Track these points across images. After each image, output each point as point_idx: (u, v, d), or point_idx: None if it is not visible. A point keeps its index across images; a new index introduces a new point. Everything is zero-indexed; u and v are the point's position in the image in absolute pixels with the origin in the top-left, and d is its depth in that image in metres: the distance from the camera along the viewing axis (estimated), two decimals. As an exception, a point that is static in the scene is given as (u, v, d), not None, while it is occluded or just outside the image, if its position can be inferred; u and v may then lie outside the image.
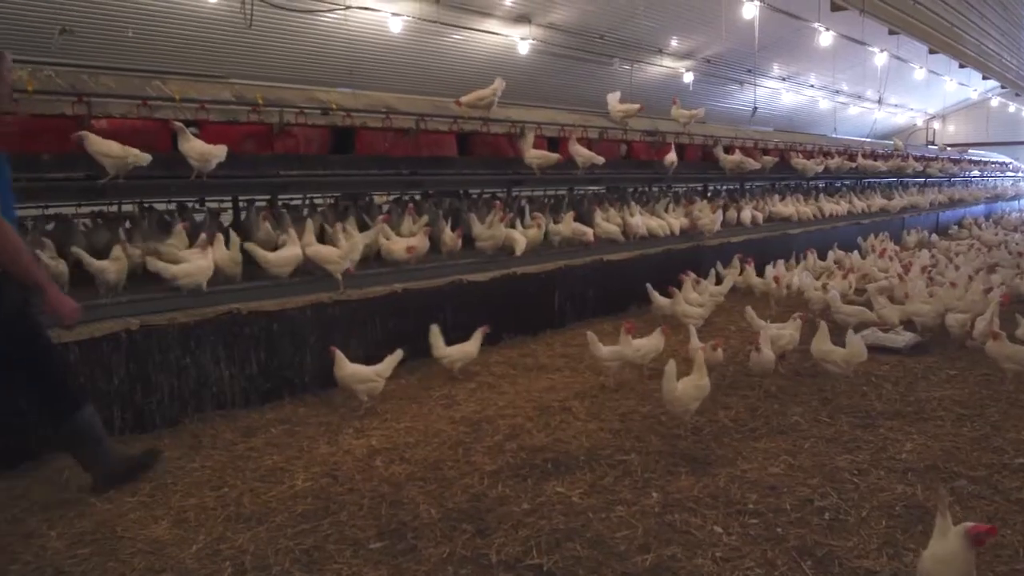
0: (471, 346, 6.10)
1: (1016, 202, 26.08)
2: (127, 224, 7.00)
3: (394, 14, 12.42)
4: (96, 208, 8.05)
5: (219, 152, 5.71)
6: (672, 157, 9.98)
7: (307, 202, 8.96)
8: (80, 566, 3.29)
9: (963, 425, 4.87)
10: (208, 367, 5.26)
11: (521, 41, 14.55)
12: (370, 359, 5.89)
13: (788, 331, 6.14)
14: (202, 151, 5.65)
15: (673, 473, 4.15)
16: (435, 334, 6.00)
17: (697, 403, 4.76)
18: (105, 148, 5.06)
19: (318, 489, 4.03)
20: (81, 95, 5.24)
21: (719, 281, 8.45)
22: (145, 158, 5.22)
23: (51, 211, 7.65)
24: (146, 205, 8.21)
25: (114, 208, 8.06)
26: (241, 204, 7.61)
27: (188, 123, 5.89)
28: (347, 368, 5.26)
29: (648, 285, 7.62)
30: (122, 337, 4.85)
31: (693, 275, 8.01)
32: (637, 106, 9.81)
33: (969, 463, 4.24)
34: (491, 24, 14.08)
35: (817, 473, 4.12)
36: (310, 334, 5.80)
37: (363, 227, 7.37)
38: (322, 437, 4.81)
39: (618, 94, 10.02)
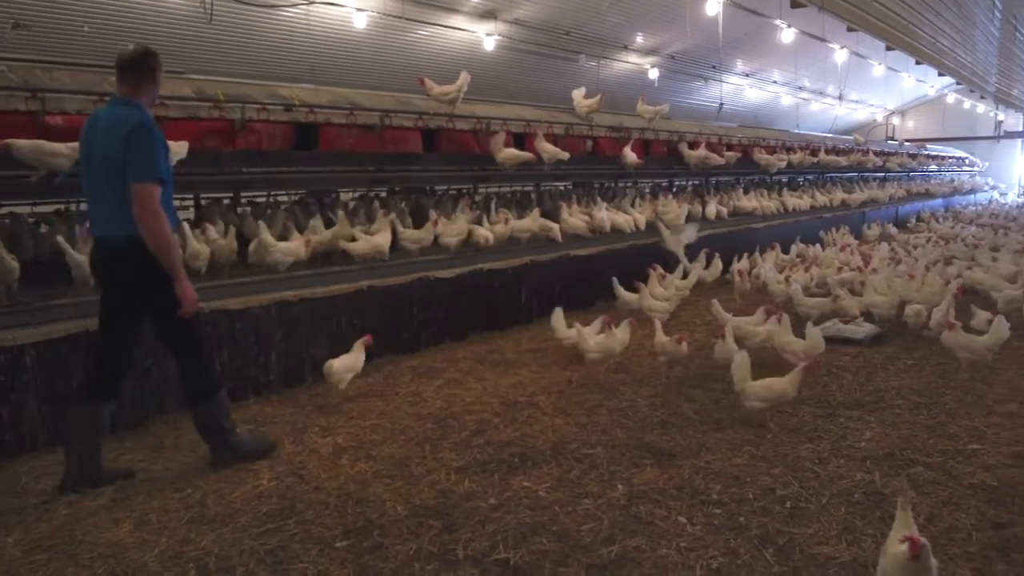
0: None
1: (972, 196, 26.71)
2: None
3: (359, 9, 12.29)
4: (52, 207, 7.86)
5: (179, 149, 5.62)
6: (629, 154, 10.04)
7: (271, 199, 8.87)
8: (38, 572, 3.22)
9: (920, 413, 4.99)
10: (171, 367, 5.15)
11: (487, 37, 14.50)
12: (337, 356, 5.86)
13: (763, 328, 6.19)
14: (161, 148, 5.55)
15: (639, 465, 4.19)
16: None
17: (764, 404, 4.76)
18: (32, 151, 4.81)
19: (283, 488, 4.00)
20: (35, 90, 5.13)
21: (685, 275, 8.56)
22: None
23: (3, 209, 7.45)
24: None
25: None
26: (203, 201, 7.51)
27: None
28: None
29: (614, 279, 7.68)
30: (81, 339, 4.76)
31: (660, 269, 8.08)
32: (598, 97, 9.86)
33: (925, 450, 4.35)
34: (457, 20, 14.01)
35: (779, 463, 4.19)
36: (275, 332, 5.74)
37: (328, 224, 7.32)
38: (287, 436, 4.77)
39: (583, 90, 10.08)
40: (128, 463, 4.38)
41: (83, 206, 7.75)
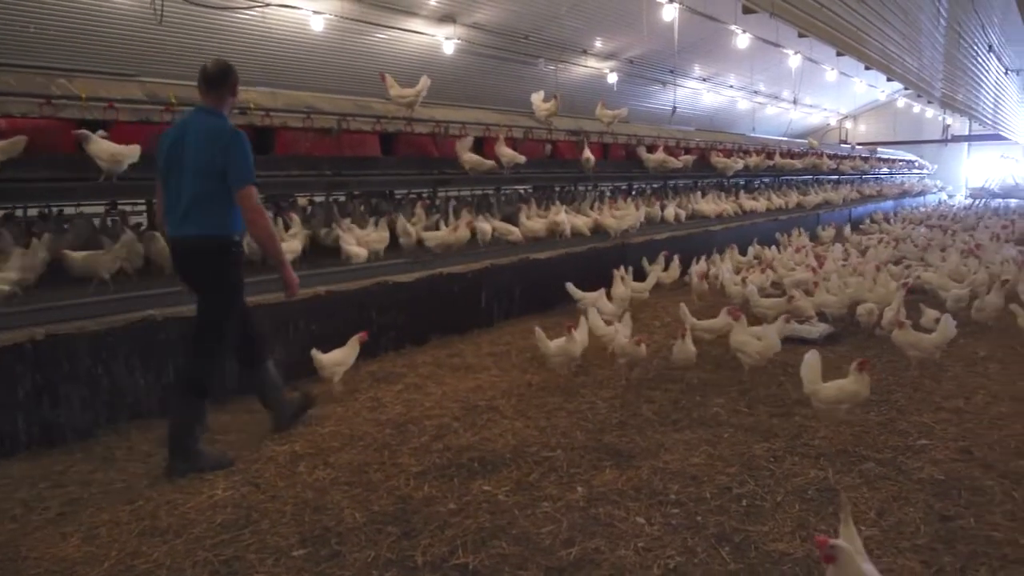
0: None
1: (922, 198, 27.45)
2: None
3: (316, 12, 12.21)
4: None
5: (131, 153, 5.51)
6: (588, 155, 10.11)
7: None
8: (-19, 590, 3.13)
9: (871, 410, 5.10)
10: (122, 376, 5.06)
11: (446, 41, 14.51)
12: (294, 363, 5.80)
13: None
14: (113, 152, 5.44)
15: (598, 467, 4.21)
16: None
17: (841, 406, 4.71)
18: None
19: (239, 498, 3.93)
20: (-23, 93, 4.98)
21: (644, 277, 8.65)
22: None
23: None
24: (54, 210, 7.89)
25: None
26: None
27: (96, 123, 5.67)
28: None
29: (568, 284, 7.63)
30: (27, 348, 4.62)
31: (622, 271, 8.13)
32: (553, 99, 9.92)
33: (876, 446, 4.44)
34: (415, 23, 13.99)
35: (736, 461, 4.25)
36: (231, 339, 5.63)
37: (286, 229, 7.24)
38: (244, 445, 4.69)
39: (542, 94, 10.13)
40: (76, 475, 4.26)
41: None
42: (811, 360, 4.82)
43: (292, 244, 6.72)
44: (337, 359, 5.55)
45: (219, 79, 4.31)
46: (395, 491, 3.96)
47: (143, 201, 7.36)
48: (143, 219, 7.29)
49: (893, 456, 4.29)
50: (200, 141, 4.17)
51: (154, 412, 5.15)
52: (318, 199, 9.37)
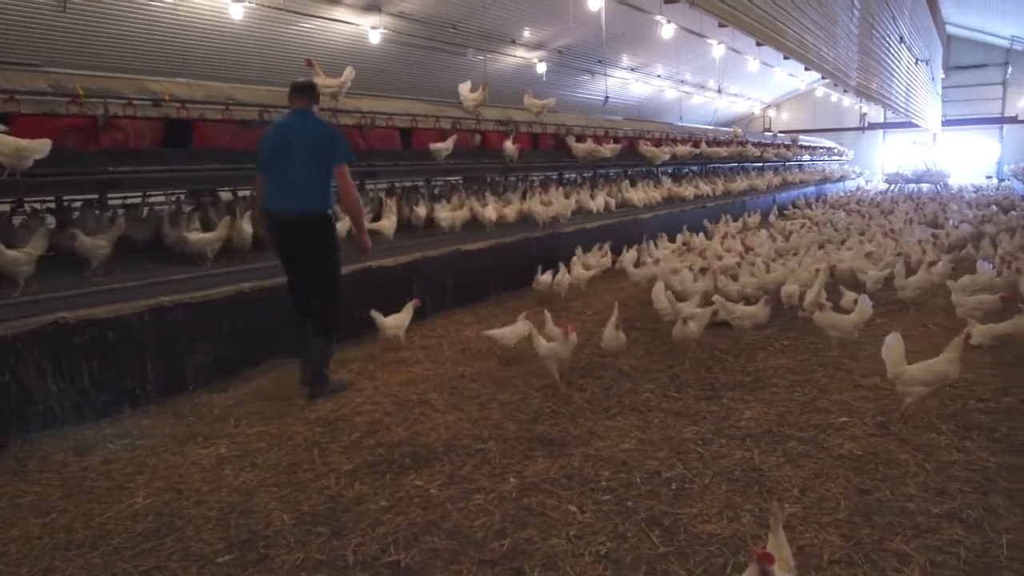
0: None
1: (842, 184, 28.45)
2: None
3: (235, 0, 11.82)
4: None
5: (38, 147, 5.22)
6: (510, 146, 10.10)
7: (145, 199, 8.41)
8: None
9: (795, 390, 5.25)
10: (32, 383, 4.80)
11: (372, 31, 14.26)
12: (220, 362, 5.64)
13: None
14: (17, 147, 5.15)
15: (530, 457, 4.22)
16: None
17: (925, 388, 4.43)
18: None
19: (161, 505, 3.79)
20: None
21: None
22: None
23: None
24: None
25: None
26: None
27: (-3, 116, 5.37)
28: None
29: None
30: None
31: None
32: (481, 88, 9.87)
33: (799, 425, 4.58)
34: (340, 12, 13.69)
35: (665, 446, 4.32)
36: (150, 340, 5.43)
37: (208, 226, 7.01)
38: (166, 449, 4.53)
39: (469, 83, 10.05)
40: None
41: None
42: (893, 342, 4.49)
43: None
44: (396, 322, 6.45)
45: (308, 88, 5.49)
46: (325, 490, 3.89)
47: (51, 198, 7.00)
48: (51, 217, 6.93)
49: (815, 434, 4.42)
50: (311, 132, 5.25)
51: (69, 420, 4.92)
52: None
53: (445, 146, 8.79)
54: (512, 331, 6.08)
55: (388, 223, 8.17)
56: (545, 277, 8.32)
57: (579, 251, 9.38)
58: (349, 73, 7.76)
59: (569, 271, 8.49)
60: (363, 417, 4.94)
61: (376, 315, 6.36)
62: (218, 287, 5.99)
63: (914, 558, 3.07)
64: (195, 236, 6.61)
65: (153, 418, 5.13)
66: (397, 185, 10.82)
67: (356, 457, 4.29)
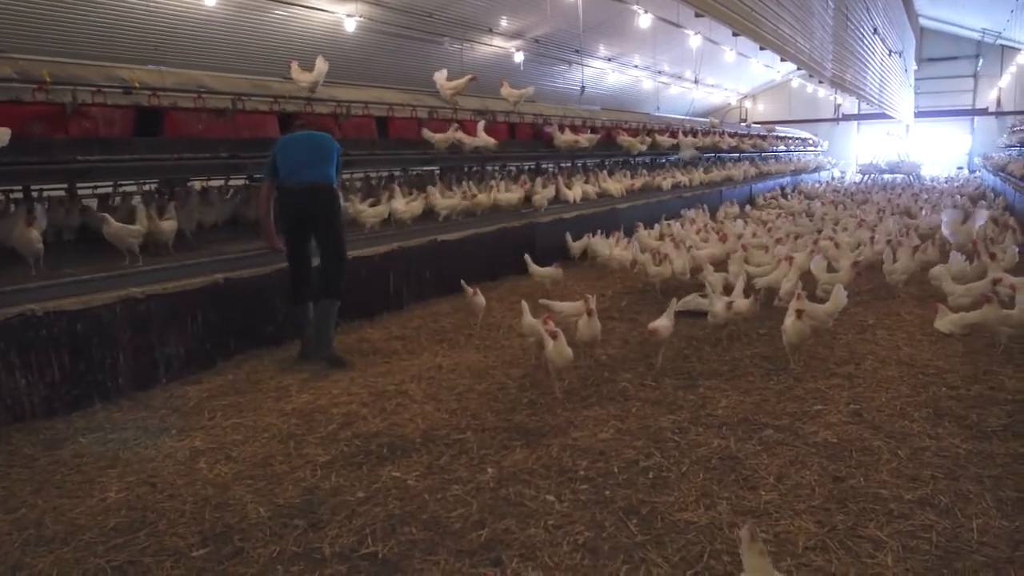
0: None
1: (817, 174, 28.71)
2: None
3: (208, -13, 11.62)
4: None
5: (1, 136, 5.09)
6: (481, 137, 10.04)
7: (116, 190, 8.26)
8: None
9: (771, 379, 5.29)
10: (-1, 376, 4.71)
11: (348, 18, 14.09)
12: (193, 354, 5.57)
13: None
14: (-24, 135, 5.02)
15: (508, 447, 4.21)
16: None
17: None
18: None
19: (134, 499, 3.74)
20: None
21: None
22: None
23: None
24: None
25: None
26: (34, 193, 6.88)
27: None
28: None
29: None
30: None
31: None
32: (466, 79, 9.78)
33: (775, 413, 4.61)
34: (315, 0, 13.53)
35: (643, 435, 4.33)
36: (122, 332, 5.34)
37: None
38: (139, 442, 4.46)
39: (445, 72, 9.97)
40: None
41: None
42: None
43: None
44: (547, 273, 7.68)
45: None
46: (301, 482, 3.85)
47: (19, 188, 6.85)
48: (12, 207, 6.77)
49: (791, 422, 4.46)
50: (320, 140, 6.06)
51: (38, 414, 4.83)
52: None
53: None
54: (572, 307, 6.08)
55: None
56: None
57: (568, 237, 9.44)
58: (320, 66, 7.65)
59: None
60: (339, 408, 4.90)
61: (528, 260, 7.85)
62: (191, 278, 5.89)
63: (887, 543, 3.11)
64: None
65: (125, 411, 5.05)
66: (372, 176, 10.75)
67: (332, 449, 4.26)
